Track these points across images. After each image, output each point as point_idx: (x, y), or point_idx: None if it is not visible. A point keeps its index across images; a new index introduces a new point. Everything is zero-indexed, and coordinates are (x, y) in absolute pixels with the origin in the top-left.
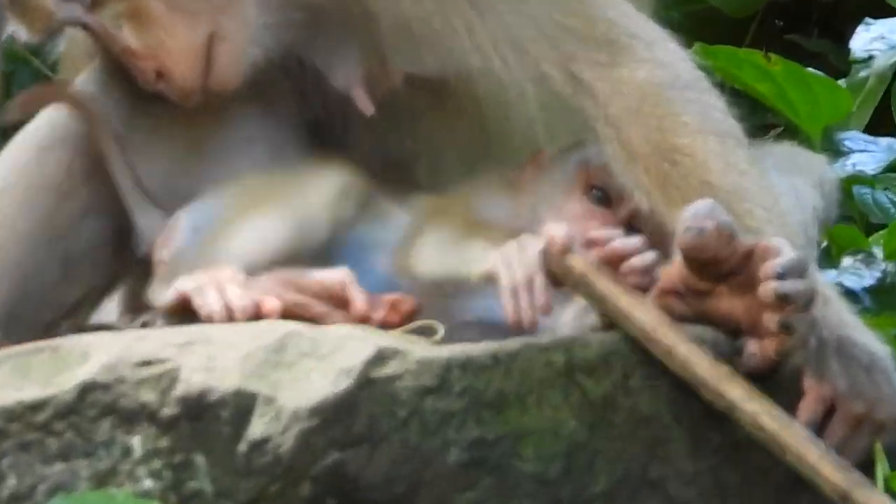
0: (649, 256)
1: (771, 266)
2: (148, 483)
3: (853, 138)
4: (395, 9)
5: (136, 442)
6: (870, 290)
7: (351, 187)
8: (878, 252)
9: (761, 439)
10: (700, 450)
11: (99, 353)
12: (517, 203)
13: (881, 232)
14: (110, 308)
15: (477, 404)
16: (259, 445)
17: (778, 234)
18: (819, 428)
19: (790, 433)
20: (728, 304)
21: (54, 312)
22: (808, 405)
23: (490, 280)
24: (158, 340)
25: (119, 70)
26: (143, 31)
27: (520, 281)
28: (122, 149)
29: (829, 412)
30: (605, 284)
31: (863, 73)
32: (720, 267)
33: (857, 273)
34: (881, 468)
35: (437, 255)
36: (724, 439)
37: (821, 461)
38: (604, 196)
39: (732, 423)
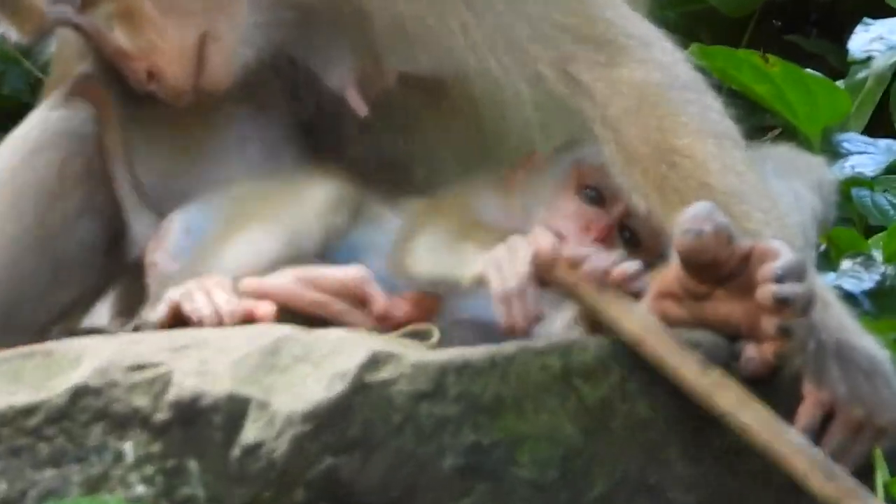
0: (629, 267)
1: (769, 269)
2: (140, 489)
3: (852, 140)
4: (389, 7)
5: (129, 447)
6: (869, 294)
7: (344, 197)
8: (878, 255)
9: (754, 447)
10: (699, 455)
11: (91, 357)
12: (510, 203)
13: (880, 234)
14: (102, 312)
15: (473, 409)
16: (252, 451)
17: (776, 237)
18: (818, 433)
19: (781, 442)
20: (726, 307)
21: (46, 316)
22: (807, 410)
23: (481, 284)
24: (151, 344)
25: (110, 71)
26: (135, 31)
27: (511, 288)
28: (124, 150)
29: (828, 417)
30: (593, 294)
31: (861, 74)
32: (718, 270)
33: (857, 276)
34: (881, 474)
35: (431, 256)
36: (723, 444)
37: (811, 472)
38: (597, 195)
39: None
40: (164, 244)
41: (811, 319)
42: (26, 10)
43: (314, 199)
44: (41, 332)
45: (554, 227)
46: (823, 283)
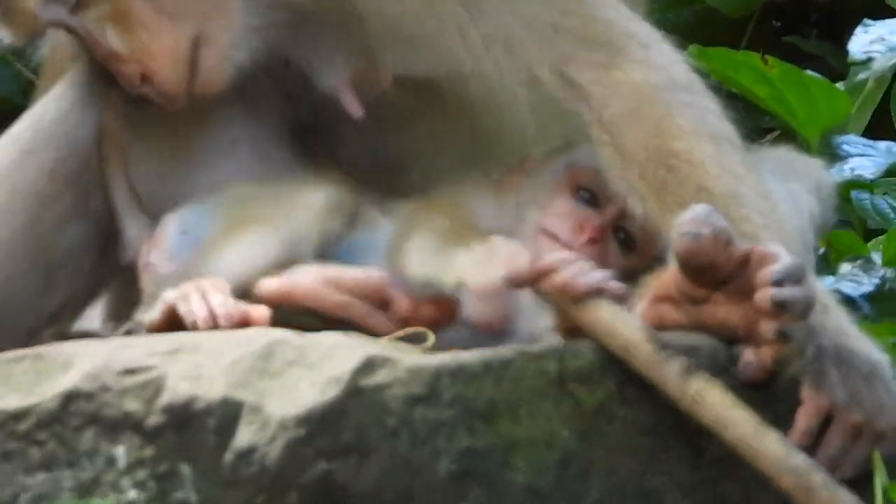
0: (597, 277)
1: (768, 272)
2: (132, 493)
3: (851, 142)
4: (384, 9)
5: (121, 451)
6: (868, 297)
7: (341, 200)
8: (877, 258)
9: None
10: (697, 460)
11: (82, 361)
12: (505, 205)
13: (880, 237)
14: (93, 315)
15: (468, 413)
16: (245, 455)
17: (775, 240)
18: (817, 437)
19: (763, 456)
20: (724, 311)
21: (36, 320)
22: (806, 414)
23: (463, 286)
24: (143, 348)
25: (103, 73)
26: (128, 33)
27: (487, 286)
28: (123, 151)
29: (827, 421)
30: (573, 306)
31: (861, 76)
32: (716, 273)
33: (856, 280)
34: (880, 479)
35: (422, 258)
36: (723, 449)
37: (796, 488)
38: (591, 197)
39: None
40: (160, 245)
41: (810, 323)
42: (18, 11)
43: (311, 202)
44: (31, 336)
45: (547, 228)
46: (822, 287)
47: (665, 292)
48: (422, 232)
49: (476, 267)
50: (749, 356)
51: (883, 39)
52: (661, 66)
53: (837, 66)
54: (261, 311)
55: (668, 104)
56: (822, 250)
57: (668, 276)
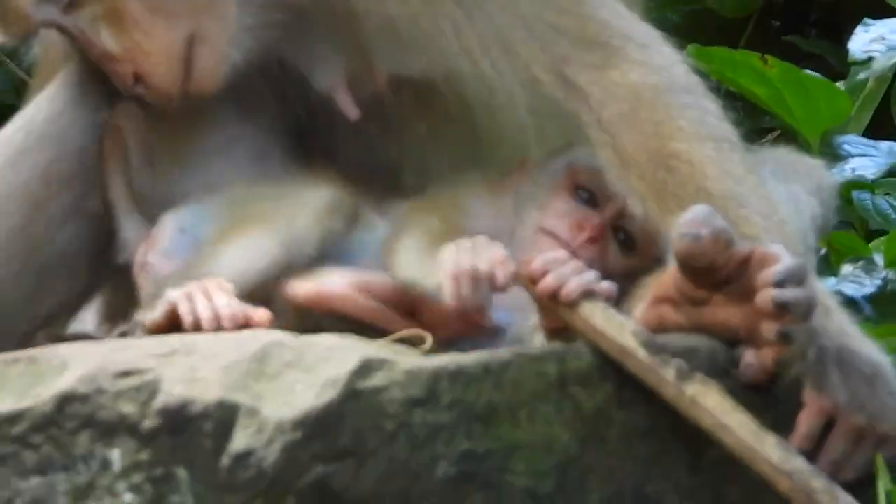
0: (587, 277)
1: (769, 273)
2: (128, 497)
3: (852, 142)
4: (380, 8)
5: (116, 455)
6: (870, 299)
7: (341, 201)
8: (879, 259)
9: None
10: (697, 463)
11: (77, 363)
12: (501, 207)
13: (881, 238)
14: (88, 317)
15: (467, 417)
16: (242, 459)
17: (776, 241)
18: (819, 440)
19: (761, 461)
20: (725, 312)
21: (31, 322)
22: (808, 417)
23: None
24: (138, 350)
25: (96, 73)
26: (121, 33)
27: (465, 268)
28: (123, 150)
29: (829, 424)
30: (567, 311)
31: (862, 75)
32: (716, 274)
33: (858, 281)
34: (883, 482)
35: (410, 259)
36: (722, 453)
37: (793, 492)
38: (590, 197)
39: None
40: (158, 244)
41: (811, 325)
42: (11, 11)
43: (312, 202)
44: (26, 339)
45: (547, 227)
46: (824, 288)
47: (665, 293)
48: (412, 233)
49: (455, 251)
50: (750, 358)
51: (883, 38)
52: (659, 66)
53: (837, 66)
54: (261, 314)
55: (668, 105)
56: (823, 251)
57: (667, 278)
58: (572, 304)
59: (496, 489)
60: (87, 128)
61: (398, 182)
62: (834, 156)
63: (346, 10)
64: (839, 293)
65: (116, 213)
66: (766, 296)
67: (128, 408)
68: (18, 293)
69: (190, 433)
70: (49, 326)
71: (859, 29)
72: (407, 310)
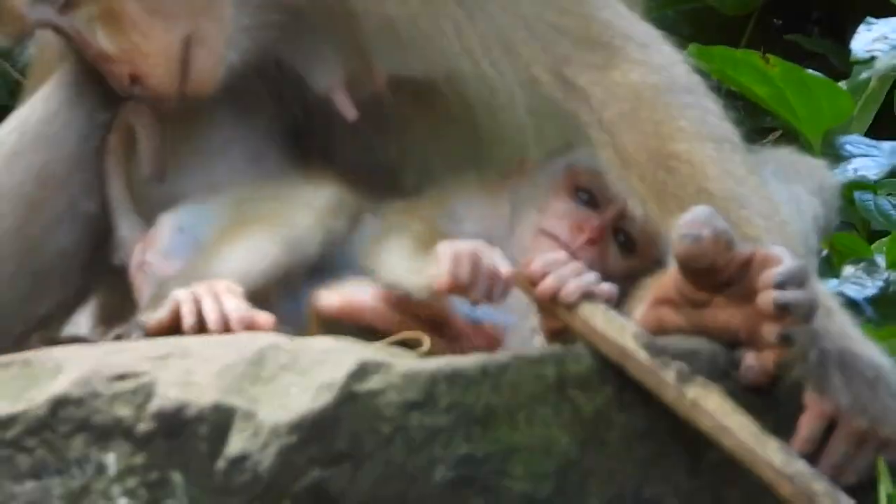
0: (586, 279)
1: (770, 275)
2: (123, 502)
3: (855, 142)
4: (379, 9)
5: (111, 459)
6: (872, 301)
7: (340, 202)
8: (881, 260)
9: None
10: (697, 466)
11: (71, 366)
12: (497, 208)
13: (884, 239)
14: (82, 320)
15: (464, 420)
16: (238, 462)
17: (777, 242)
18: (820, 444)
19: (762, 465)
20: (725, 314)
21: (27, 323)
22: (809, 421)
23: (431, 291)
24: (133, 353)
25: (91, 73)
26: (118, 33)
27: (465, 250)
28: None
29: (830, 428)
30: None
31: (864, 75)
32: (717, 276)
33: (859, 282)
34: (884, 486)
35: (392, 260)
36: (723, 455)
37: (795, 496)
38: (590, 198)
39: None
40: (156, 244)
41: (813, 327)
42: (6, 12)
43: (314, 203)
44: (20, 341)
45: (546, 229)
46: (825, 290)
47: (665, 295)
48: (396, 236)
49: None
50: (751, 360)
51: (886, 38)
52: (660, 66)
53: (840, 65)
54: (265, 317)
55: (668, 105)
56: (825, 252)
57: (668, 279)
58: (572, 306)
59: (494, 493)
60: (82, 128)
61: (397, 183)
62: (836, 156)
63: (345, 10)
64: (841, 295)
65: (113, 212)
66: (767, 297)
67: (123, 411)
68: (14, 294)
69: (185, 437)
70: (45, 327)
71: (862, 28)
72: (432, 323)
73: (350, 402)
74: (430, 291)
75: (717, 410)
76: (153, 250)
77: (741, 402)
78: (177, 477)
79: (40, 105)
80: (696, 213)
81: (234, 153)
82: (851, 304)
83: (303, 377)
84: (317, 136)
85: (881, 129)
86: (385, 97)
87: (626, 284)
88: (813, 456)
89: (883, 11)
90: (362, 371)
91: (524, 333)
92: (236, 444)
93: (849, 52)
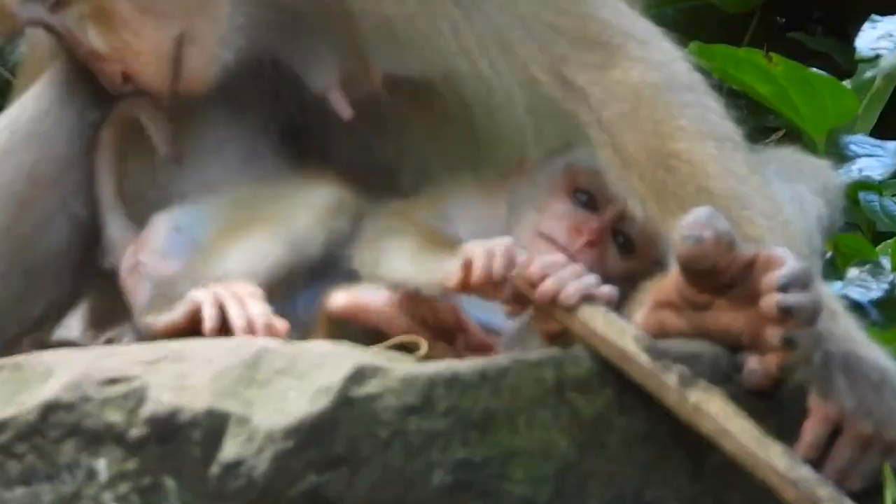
0: (586, 281)
1: (773, 277)
2: None
3: (859, 142)
4: (376, 8)
5: (102, 464)
6: (877, 303)
7: (340, 202)
8: (886, 262)
9: None
10: (698, 470)
11: (62, 370)
12: (494, 208)
13: (889, 241)
14: (73, 323)
15: (463, 424)
16: (232, 468)
17: (780, 244)
18: (825, 448)
19: (765, 469)
20: (728, 317)
21: (16, 327)
22: (813, 425)
23: (444, 289)
24: (125, 357)
25: (83, 72)
26: (109, 32)
27: (494, 248)
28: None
29: (835, 432)
30: (566, 316)
31: (869, 73)
32: (719, 278)
33: (864, 285)
34: (890, 491)
35: (401, 263)
36: (725, 459)
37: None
38: (589, 199)
39: None
40: (150, 244)
41: (817, 330)
42: None
43: (314, 202)
44: (10, 345)
45: (545, 231)
46: (829, 292)
47: (666, 298)
48: (397, 236)
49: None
50: (754, 364)
51: (891, 35)
52: (660, 64)
53: (844, 64)
54: (282, 323)
55: (668, 104)
56: (829, 254)
57: (669, 282)
58: (572, 309)
59: (493, 497)
60: (73, 127)
61: (394, 183)
62: (840, 156)
63: (342, 9)
64: (845, 297)
65: (103, 212)
66: (770, 300)
67: (114, 416)
68: (8, 294)
69: (178, 442)
70: (40, 329)
71: (866, 26)
72: (442, 329)
73: (347, 406)
74: (443, 289)
75: (719, 414)
76: (148, 250)
77: (744, 405)
78: (170, 482)
79: (31, 104)
80: (697, 214)
81: (229, 152)
82: (856, 307)
83: (299, 381)
84: (313, 136)
85: (886, 129)
86: (382, 97)
87: (625, 286)
88: (817, 461)
89: (888, 9)
90: (360, 375)
91: (522, 336)
92: (230, 449)
93: (853, 50)
